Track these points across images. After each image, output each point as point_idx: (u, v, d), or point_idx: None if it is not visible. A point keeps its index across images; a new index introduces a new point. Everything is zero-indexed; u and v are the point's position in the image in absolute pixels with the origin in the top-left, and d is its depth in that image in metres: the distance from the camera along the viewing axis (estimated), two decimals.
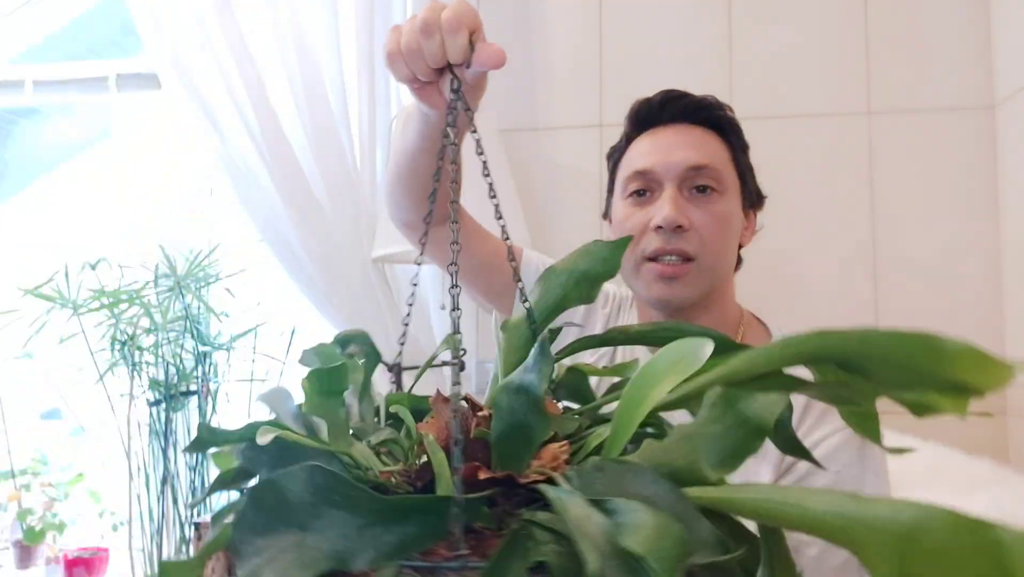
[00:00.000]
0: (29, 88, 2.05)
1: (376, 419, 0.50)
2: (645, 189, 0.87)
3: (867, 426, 0.49)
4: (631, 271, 0.87)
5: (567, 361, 0.52)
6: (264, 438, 0.39)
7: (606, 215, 0.97)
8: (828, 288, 1.68)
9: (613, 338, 0.53)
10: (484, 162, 0.55)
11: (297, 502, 0.30)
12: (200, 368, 1.71)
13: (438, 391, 0.45)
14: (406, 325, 0.54)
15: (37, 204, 2.19)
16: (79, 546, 1.70)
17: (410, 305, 0.55)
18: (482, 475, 0.36)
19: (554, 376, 0.53)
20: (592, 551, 0.28)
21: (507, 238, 0.57)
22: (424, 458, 0.40)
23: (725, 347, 0.48)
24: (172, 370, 1.68)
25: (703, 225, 0.84)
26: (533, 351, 0.42)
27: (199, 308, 1.72)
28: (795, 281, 1.68)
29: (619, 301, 0.99)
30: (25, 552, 1.74)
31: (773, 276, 1.67)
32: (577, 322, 0.96)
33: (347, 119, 1.71)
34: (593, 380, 0.54)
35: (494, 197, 0.55)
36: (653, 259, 0.85)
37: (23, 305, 1.68)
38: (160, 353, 1.67)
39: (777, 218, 1.77)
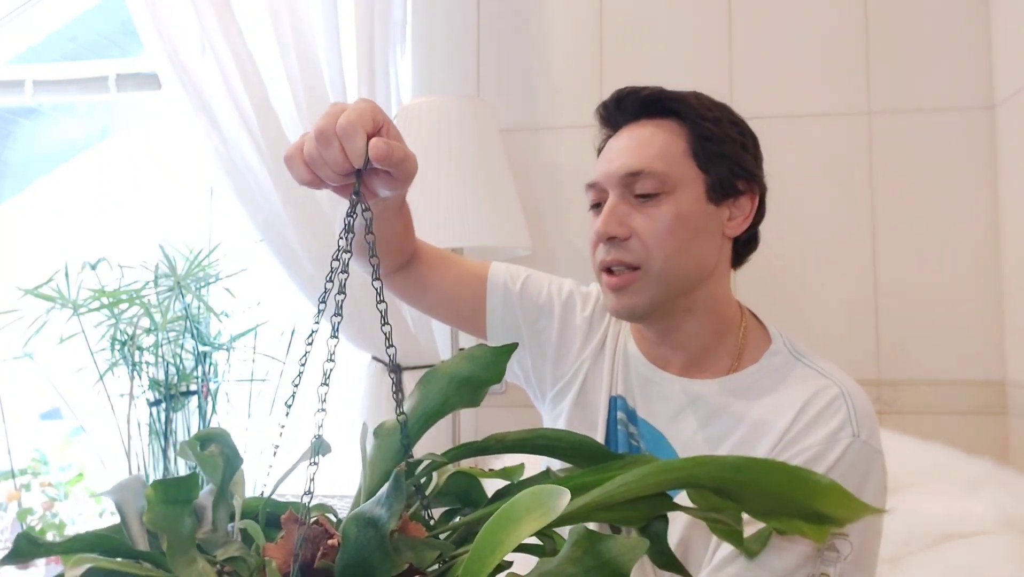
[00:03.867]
0: (29, 88, 2.05)
1: (232, 523, 0.47)
2: (598, 202, 0.85)
3: (733, 539, 0.51)
4: (598, 283, 0.87)
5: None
6: (75, 572, 0.36)
7: None
8: (828, 287, 1.68)
9: (490, 447, 0.52)
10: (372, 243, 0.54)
11: None
12: (200, 368, 1.71)
13: (290, 511, 0.43)
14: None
15: (37, 204, 2.19)
16: None
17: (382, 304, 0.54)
18: None
19: (434, 484, 0.51)
20: None
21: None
22: None
23: (602, 458, 0.48)
24: (172, 370, 1.68)
25: (645, 231, 0.80)
26: (387, 484, 0.40)
27: (199, 308, 1.72)
28: (795, 281, 1.68)
29: (604, 306, 0.93)
30: None
31: (773, 276, 1.67)
32: (551, 334, 0.92)
33: None
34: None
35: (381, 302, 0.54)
36: (607, 271, 0.83)
37: (23, 305, 1.68)
38: (160, 353, 1.67)
39: (777, 218, 1.77)
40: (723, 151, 0.82)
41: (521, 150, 1.78)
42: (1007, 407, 1.58)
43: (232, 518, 0.47)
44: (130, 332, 1.65)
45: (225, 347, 1.73)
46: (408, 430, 0.50)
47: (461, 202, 1.47)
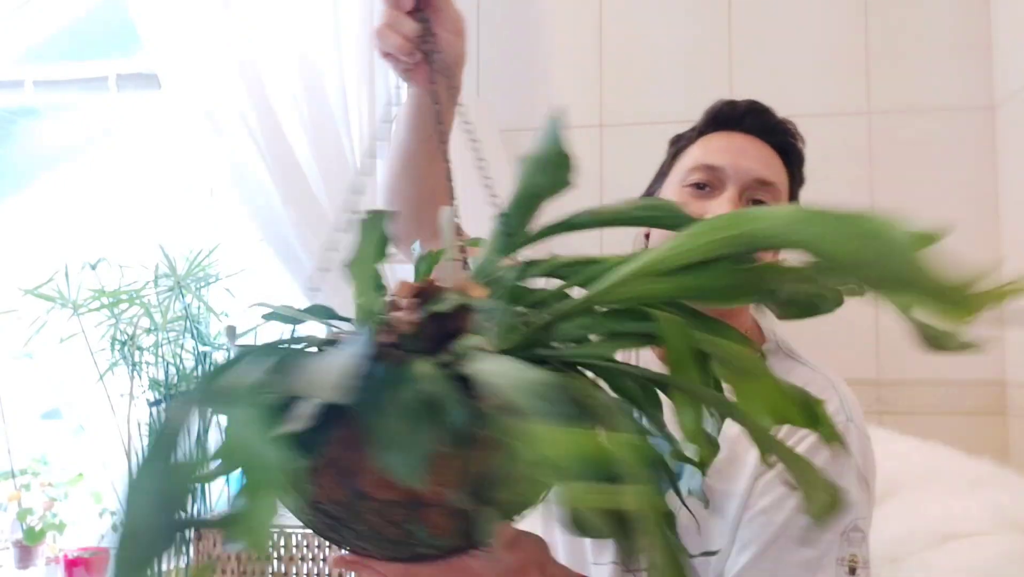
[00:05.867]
0: (29, 88, 2.05)
1: None
2: (707, 184, 0.85)
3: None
4: None
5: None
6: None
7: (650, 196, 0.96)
8: None
9: (584, 222, 0.52)
10: (471, 137, 0.67)
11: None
12: (200, 368, 1.71)
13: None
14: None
15: (37, 204, 2.19)
16: (79, 546, 1.70)
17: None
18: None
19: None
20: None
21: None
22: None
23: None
24: (172, 370, 1.68)
25: None
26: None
27: (199, 308, 1.72)
28: None
29: None
30: (25, 552, 1.74)
31: None
32: None
33: (347, 119, 1.71)
34: None
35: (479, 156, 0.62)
36: None
37: (23, 305, 1.68)
38: (160, 353, 1.67)
39: None
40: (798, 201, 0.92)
41: (521, 150, 1.78)
42: (1007, 407, 1.58)
43: None
44: (130, 332, 1.64)
45: (225, 347, 1.73)
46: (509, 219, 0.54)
47: (461, 202, 1.46)
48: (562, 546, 0.91)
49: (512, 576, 0.64)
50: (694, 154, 0.89)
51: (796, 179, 0.89)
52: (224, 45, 1.66)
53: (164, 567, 1.64)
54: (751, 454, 0.78)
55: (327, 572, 1.49)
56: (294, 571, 1.50)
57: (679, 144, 0.93)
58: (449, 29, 0.73)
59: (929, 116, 1.66)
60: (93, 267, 1.68)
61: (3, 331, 1.74)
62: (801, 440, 0.77)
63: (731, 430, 0.78)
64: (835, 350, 1.65)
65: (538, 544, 0.67)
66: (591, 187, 1.75)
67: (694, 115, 0.96)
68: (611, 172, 1.77)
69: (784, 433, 0.77)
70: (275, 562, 1.50)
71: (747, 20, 1.74)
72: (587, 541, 0.87)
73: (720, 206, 0.83)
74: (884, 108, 1.68)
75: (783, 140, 0.89)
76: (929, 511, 1.13)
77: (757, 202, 0.84)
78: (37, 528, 1.73)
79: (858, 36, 1.70)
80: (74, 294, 1.65)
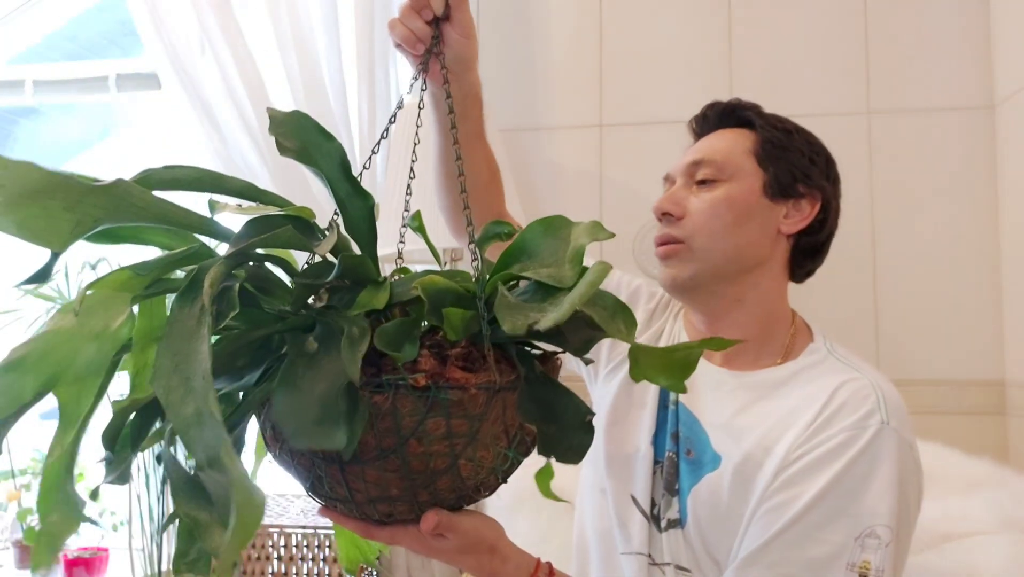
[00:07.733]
0: (29, 88, 2.05)
1: None
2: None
3: None
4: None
5: None
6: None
7: None
8: (828, 287, 1.68)
9: None
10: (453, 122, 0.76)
11: None
12: None
13: None
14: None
15: None
16: (79, 546, 1.70)
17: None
18: None
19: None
20: None
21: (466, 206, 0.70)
22: None
23: None
24: None
25: (696, 211, 0.87)
26: None
27: None
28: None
29: (667, 303, 1.02)
30: (25, 552, 1.74)
31: None
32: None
33: (347, 118, 1.71)
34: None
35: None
36: (660, 245, 0.90)
37: (23, 305, 1.68)
38: None
39: None
40: (787, 157, 0.91)
41: (521, 150, 1.78)
42: (1007, 407, 1.58)
43: None
44: None
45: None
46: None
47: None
48: (592, 536, 0.91)
49: (462, 553, 0.67)
50: None
51: (765, 139, 0.90)
52: (223, 44, 1.66)
53: (164, 567, 1.64)
54: (762, 472, 0.78)
55: (327, 572, 1.49)
56: (294, 571, 1.50)
57: None
58: (458, 31, 0.78)
59: (929, 116, 1.66)
60: (93, 267, 1.68)
61: (3, 331, 1.74)
62: (825, 441, 0.76)
63: (735, 450, 0.79)
64: None
65: (489, 527, 0.69)
66: (591, 187, 1.75)
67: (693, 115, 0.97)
68: (611, 172, 1.77)
69: (809, 435, 0.77)
70: (275, 562, 1.50)
71: (747, 21, 1.74)
72: (616, 532, 0.88)
73: (659, 198, 0.90)
74: (884, 108, 1.68)
75: (737, 116, 0.93)
76: (929, 511, 1.13)
77: (701, 184, 0.88)
78: (37, 528, 1.73)
79: (858, 36, 1.70)
80: (74, 294, 1.65)
